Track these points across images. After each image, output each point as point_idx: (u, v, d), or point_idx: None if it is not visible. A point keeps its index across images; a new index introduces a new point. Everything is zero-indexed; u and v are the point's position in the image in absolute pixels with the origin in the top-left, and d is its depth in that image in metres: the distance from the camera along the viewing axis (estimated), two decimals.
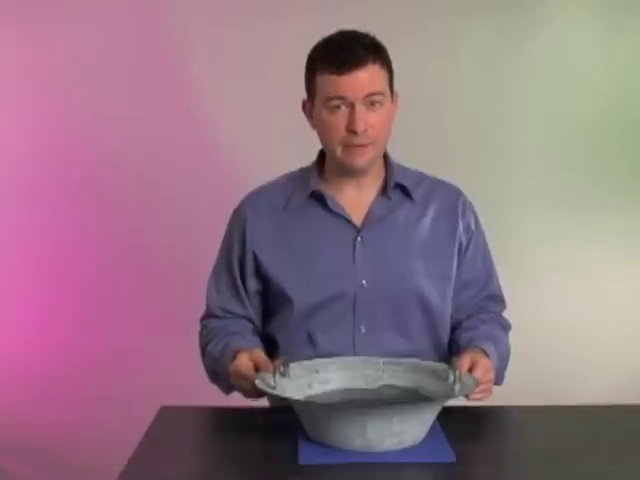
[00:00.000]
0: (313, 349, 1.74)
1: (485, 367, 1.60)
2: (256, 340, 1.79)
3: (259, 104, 2.84)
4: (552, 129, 2.97)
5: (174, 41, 2.86)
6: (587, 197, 2.97)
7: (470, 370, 1.58)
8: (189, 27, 2.86)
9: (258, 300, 1.84)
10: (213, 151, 2.89)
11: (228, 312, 1.84)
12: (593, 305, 2.97)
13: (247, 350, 1.66)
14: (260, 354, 1.65)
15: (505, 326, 1.87)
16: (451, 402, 1.52)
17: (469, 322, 1.82)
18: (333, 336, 1.75)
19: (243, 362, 1.63)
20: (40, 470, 2.86)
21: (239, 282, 1.82)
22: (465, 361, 1.59)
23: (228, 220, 1.87)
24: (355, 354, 1.72)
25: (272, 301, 1.81)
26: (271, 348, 1.79)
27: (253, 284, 1.81)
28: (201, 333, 1.87)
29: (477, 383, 1.54)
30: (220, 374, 1.75)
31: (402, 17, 2.79)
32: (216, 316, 1.85)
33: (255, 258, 1.79)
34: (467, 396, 1.56)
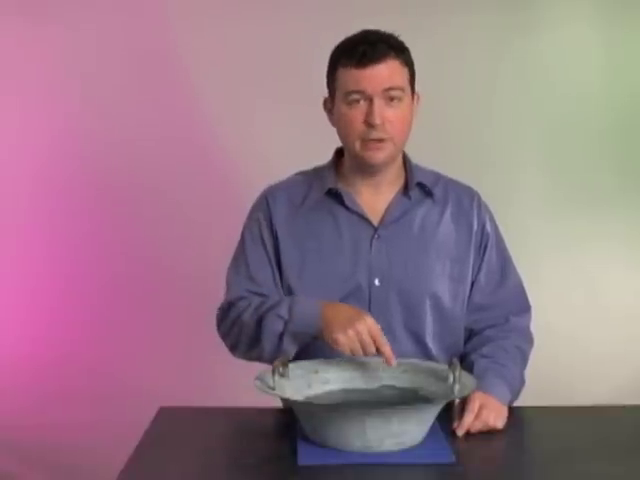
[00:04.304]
0: (330, 347, 1.70)
1: (495, 424, 1.58)
2: None
3: (262, 107, 2.84)
4: (552, 129, 2.97)
5: (175, 43, 2.85)
6: (587, 198, 2.96)
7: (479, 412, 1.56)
8: (190, 29, 2.86)
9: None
10: (225, 160, 2.89)
11: (259, 285, 1.78)
12: (593, 305, 2.97)
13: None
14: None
15: (526, 351, 1.81)
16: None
17: (490, 349, 1.74)
18: None
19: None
20: (40, 470, 2.85)
21: (273, 262, 1.78)
22: (474, 405, 1.57)
23: (239, 224, 1.85)
24: None
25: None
26: None
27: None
28: (223, 316, 1.79)
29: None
30: (269, 327, 1.67)
31: (403, 16, 2.79)
32: (243, 297, 1.78)
33: (278, 249, 1.78)
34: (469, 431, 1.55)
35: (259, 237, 1.81)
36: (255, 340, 1.72)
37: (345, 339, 1.56)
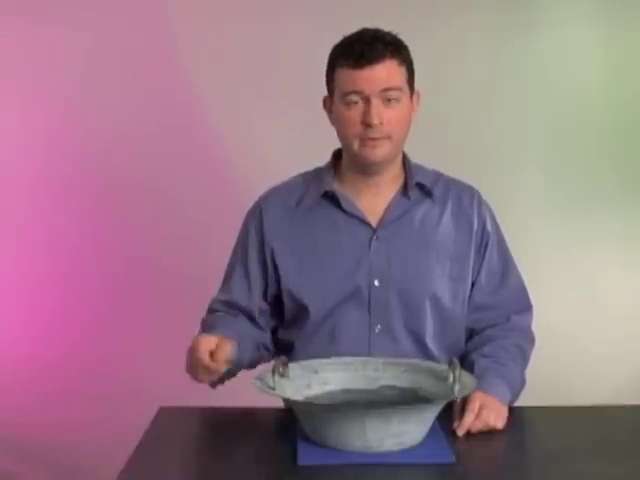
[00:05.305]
0: (330, 348, 1.73)
1: (495, 424, 1.57)
2: (242, 330, 1.74)
3: (262, 107, 2.84)
4: (552, 129, 2.97)
5: (175, 44, 2.86)
6: (587, 197, 2.97)
7: (479, 412, 1.56)
8: (190, 29, 2.86)
9: (272, 297, 1.82)
10: (227, 162, 2.89)
11: (229, 302, 1.80)
12: (592, 305, 2.97)
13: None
14: (222, 340, 1.57)
15: (526, 350, 1.80)
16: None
17: (490, 348, 1.73)
18: (349, 336, 1.74)
19: (202, 338, 1.58)
20: (40, 470, 2.85)
21: (253, 275, 1.79)
22: (474, 405, 1.57)
23: (240, 224, 1.86)
24: (370, 353, 1.71)
25: (287, 301, 1.79)
26: (286, 350, 1.77)
27: (270, 284, 1.80)
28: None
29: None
30: None
31: (402, 17, 2.79)
32: (215, 310, 1.82)
33: (273, 257, 1.79)
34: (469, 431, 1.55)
35: (245, 251, 1.81)
36: None
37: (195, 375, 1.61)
